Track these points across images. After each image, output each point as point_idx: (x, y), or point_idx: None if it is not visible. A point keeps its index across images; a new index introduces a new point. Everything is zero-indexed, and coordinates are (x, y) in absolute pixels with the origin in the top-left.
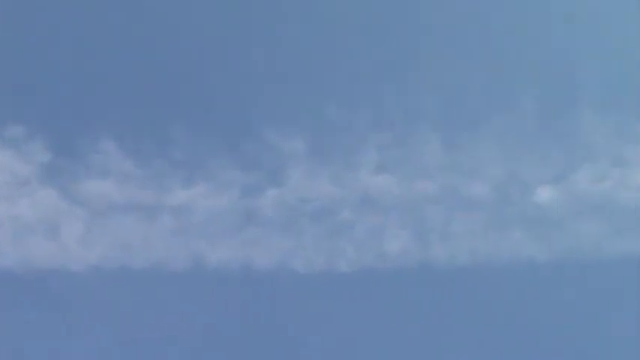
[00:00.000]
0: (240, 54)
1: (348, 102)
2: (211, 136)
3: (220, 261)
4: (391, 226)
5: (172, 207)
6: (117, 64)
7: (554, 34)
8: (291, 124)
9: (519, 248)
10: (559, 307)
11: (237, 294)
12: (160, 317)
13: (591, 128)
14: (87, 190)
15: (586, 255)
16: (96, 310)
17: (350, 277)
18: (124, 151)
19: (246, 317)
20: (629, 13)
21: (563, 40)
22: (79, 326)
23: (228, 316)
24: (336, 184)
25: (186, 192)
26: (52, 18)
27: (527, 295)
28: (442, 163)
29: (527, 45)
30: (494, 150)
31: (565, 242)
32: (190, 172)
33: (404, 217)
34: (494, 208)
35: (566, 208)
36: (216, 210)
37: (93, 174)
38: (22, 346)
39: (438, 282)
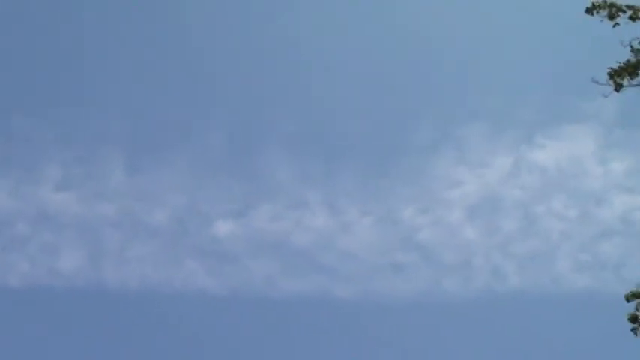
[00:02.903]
0: None
1: (35, 114)
2: None
3: None
4: (67, 245)
5: None
6: None
7: (252, 74)
8: None
9: (193, 278)
10: (228, 338)
11: None
12: None
13: (274, 168)
14: None
15: (257, 291)
16: None
17: (20, 292)
18: None
19: None
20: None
21: (255, 79)
22: None
23: None
24: (15, 197)
25: None
26: None
27: (197, 324)
28: (124, 187)
29: (222, 81)
30: (177, 179)
31: (238, 277)
32: None
33: (80, 236)
34: (171, 236)
35: (242, 244)
36: None
37: None
38: None
39: (109, 304)
